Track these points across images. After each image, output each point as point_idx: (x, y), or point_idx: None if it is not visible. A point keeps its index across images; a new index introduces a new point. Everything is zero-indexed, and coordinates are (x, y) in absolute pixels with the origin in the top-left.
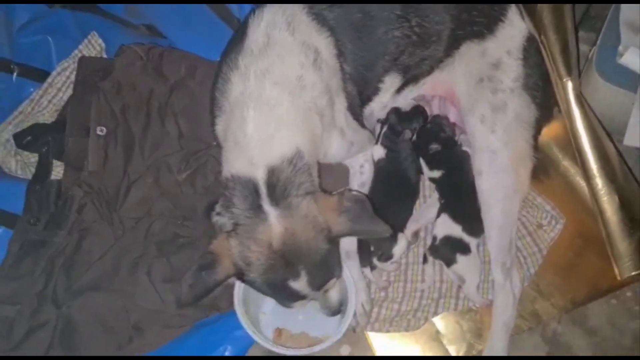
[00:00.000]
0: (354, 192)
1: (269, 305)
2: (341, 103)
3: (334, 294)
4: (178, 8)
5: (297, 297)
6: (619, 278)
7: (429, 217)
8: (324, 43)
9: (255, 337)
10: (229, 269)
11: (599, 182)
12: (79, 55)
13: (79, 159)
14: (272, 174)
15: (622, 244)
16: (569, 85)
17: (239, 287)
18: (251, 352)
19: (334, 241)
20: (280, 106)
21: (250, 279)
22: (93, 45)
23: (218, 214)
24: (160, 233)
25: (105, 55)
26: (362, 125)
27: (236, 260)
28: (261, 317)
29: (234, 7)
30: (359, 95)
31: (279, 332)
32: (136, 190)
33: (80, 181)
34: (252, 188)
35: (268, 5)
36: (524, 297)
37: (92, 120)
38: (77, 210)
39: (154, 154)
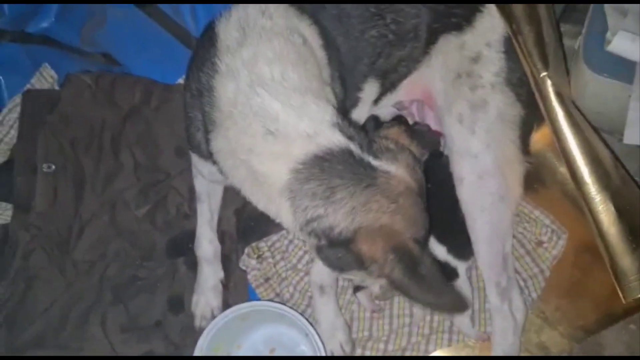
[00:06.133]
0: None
1: (247, 340)
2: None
3: None
4: (132, 32)
5: None
6: (623, 301)
7: None
8: (308, 31)
9: None
10: (418, 248)
11: (592, 189)
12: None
13: (28, 199)
14: (341, 128)
15: (624, 260)
16: (548, 81)
17: (207, 333)
18: None
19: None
20: (290, 80)
21: (423, 240)
22: (45, 78)
23: (308, 223)
24: (116, 276)
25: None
26: None
27: (407, 230)
28: (234, 351)
29: (191, 27)
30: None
31: None
32: (90, 230)
33: (28, 224)
34: (342, 155)
35: (234, 5)
36: (528, 326)
37: (38, 156)
38: (22, 257)
39: (108, 190)
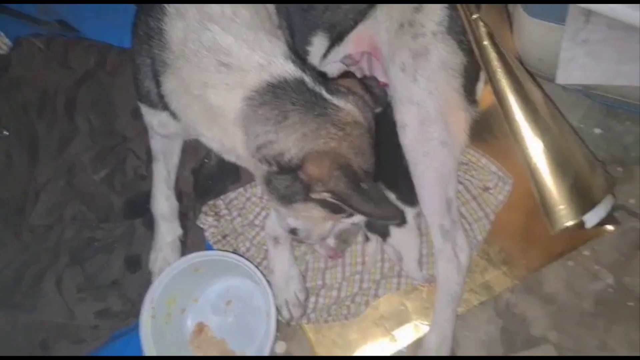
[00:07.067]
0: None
1: (204, 293)
2: None
3: None
4: None
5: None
6: (551, 232)
7: None
8: None
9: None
10: (361, 173)
11: (521, 125)
12: None
13: None
14: (294, 61)
15: (551, 192)
16: (480, 23)
17: (158, 283)
18: None
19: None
20: (242, 16)
21: (369, 171)
22: (0, 47)
23: (260, 148)
24: (73, 239)
25: None
26: None
27: (353, 157)
28: (191, 305)
29: None
30: None
31: (200, 327)
32: (46, 195)
33: None
34: (295, 84)
35: None
36: (473, 267)
37: None
38: None
39: (64, 154)
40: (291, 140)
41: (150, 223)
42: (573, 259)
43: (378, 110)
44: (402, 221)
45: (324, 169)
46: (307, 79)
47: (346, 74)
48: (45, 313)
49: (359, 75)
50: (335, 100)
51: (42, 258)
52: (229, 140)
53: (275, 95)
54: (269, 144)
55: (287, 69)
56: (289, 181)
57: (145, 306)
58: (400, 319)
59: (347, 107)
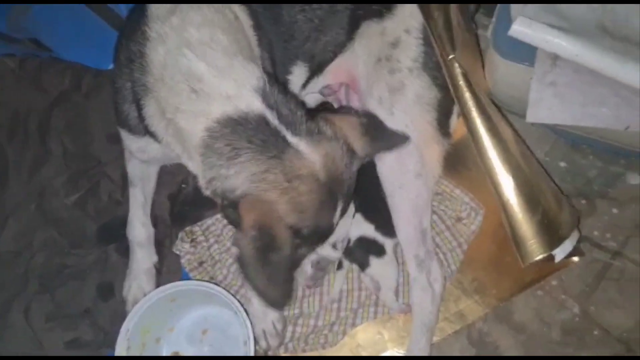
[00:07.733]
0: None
1: (179, 323)
2: None
3: None
4: (63, 17)
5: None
6: (522, 265)
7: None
8: (238, 9)
9: None
10: (286, 236)
11: (494, 163)
12: None
13: None
14: (265, 95)
15: (522, 228)
16: (455, 63)
17: (133, 315)
18: None
19: (360, 164)
20: (219, 42)
21: (304, 233)
22: None
23: (211, 180)
24: (43, 266)
25: None
26: None
27: (287, 214)
28: (166, 334)
29: (124, 13)
30: None
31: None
32: (15, 220)
33: None
34: (256, 121)
35: None
36: (447, 297)
37: None
38: None
39: (35, 178)
40: (240, 179)
41: (124, 250)
42: (542, 288)
43: (368, 158)
44: (382, 251)
45: (248, 220)
46: (271, 117)
47: (322, 105)
48: (12, 344)
49: (336, 104)
50: (300, 144)
51: (10, 286)
52: (194, 166)
53: (233, 130)
54: (221, 177)
55: (252, 104)
56: (234, 215)
57: (120, 338)
58: (377, 347)
59: (310, 156)
